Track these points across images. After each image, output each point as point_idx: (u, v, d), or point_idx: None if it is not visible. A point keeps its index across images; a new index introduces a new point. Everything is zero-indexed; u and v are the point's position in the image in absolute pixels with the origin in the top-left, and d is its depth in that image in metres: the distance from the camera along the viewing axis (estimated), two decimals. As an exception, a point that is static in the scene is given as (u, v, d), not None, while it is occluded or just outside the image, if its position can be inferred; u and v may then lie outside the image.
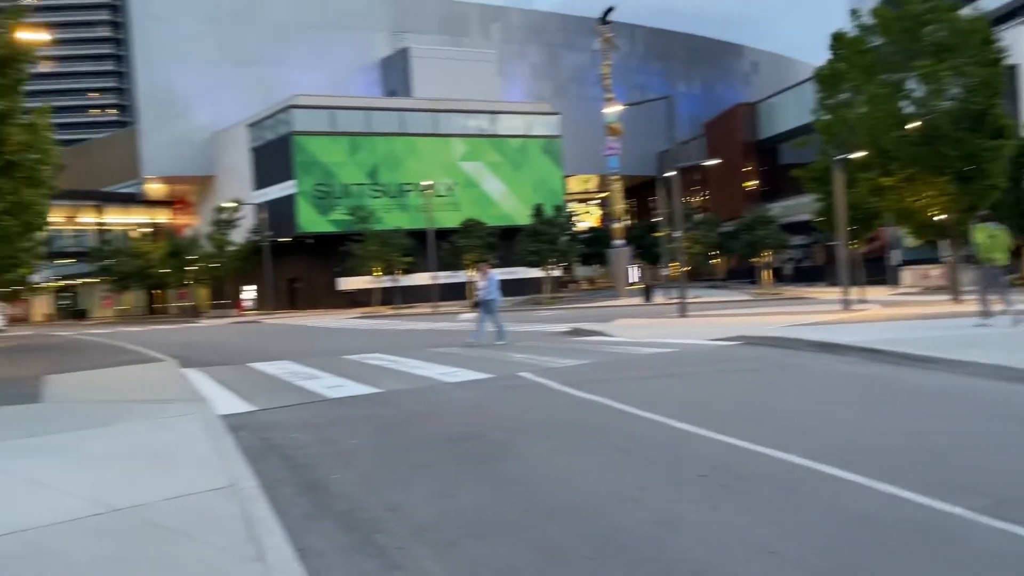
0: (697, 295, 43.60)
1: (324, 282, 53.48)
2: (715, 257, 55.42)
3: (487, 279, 16.32)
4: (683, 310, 23.51)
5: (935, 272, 40.68)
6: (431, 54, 63.01)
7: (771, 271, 47.70)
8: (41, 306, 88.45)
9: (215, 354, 18.30)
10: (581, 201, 72.99)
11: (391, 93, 61.78)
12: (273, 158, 52.87)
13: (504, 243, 47.37)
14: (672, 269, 49.97)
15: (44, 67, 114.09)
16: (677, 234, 25.54)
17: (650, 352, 13.19)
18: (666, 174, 34.67)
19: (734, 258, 57.59)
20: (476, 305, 16.86)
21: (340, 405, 9.35)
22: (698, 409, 7.62)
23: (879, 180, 21.69)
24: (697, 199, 66.78)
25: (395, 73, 64.76)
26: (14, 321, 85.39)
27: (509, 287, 53.81)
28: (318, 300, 53.74)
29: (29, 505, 4.99)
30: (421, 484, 5.41)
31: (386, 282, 46.88)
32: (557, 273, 48.34)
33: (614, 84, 70.98)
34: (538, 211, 46.05)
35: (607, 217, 64.27)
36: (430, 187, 44.03)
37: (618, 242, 48.63)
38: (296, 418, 8.50)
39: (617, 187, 48.98)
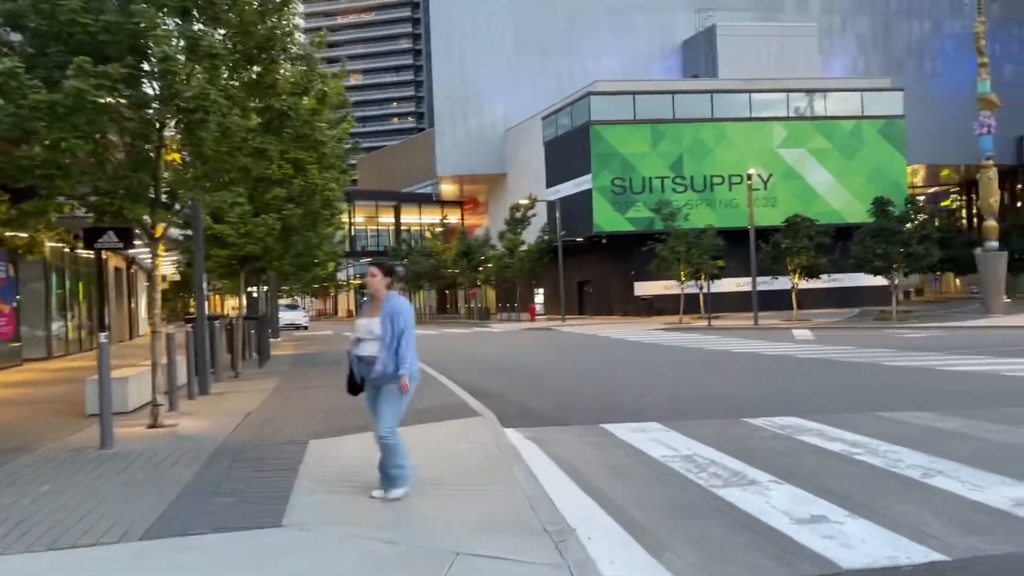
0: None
1: (618, 287, 48.67)
2: None
3: (382, 305, 5.94)
4: None
5: None
6: (740, 31, 55.84)
7: None
8: (346, 302, 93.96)
9: (537, 389, 13.57)
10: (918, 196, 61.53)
11: (693, 78, 55.57)
12: (568, 151, 49.06)
13: (837, 245, 39.26)
14: None
15: (351, 80, 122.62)
16: None
17: None
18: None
19: None
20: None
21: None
22: None
23: None
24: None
25: (698, 56, 58.46)
26: (321, 315, 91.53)
27: (839, 297, 45.91)
28: (611, 306, 49.07)
29: None
30: None
31: (692, 289, 40.87)
32: (901, 282, 39.25)
33: (962, 54, 59.12)
34: (882, 205, 37.36)
35: (978, 212, 52.99)
36: (750, 177, 37.22)
37: (992, 244, 38.36)
38: None
39: (991, 174, 38.72)
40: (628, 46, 58.87)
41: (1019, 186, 63.02)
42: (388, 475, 5.93)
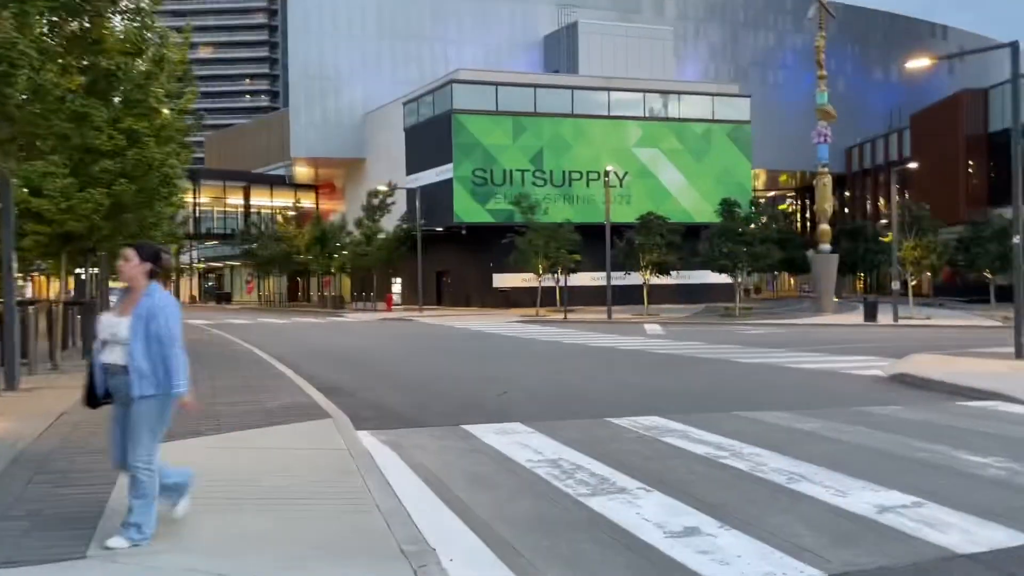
0: (928, 315, 35.76)
1: (476, 278, 48.46)
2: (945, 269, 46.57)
3: (137, 301, 4.73)
4: (1019, 345, 16.28)
5: None
6: (601, 30, 56.86)
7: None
8: (188, 287, 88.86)
9: (394, 385, 12.90)
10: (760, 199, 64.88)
11: (555, 73, 56.05)
12: (429, 139, 48.27)
13: (686, 243, 40.69)
14: (916, 281, 41.97)
15: (201, 53, 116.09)
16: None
17: None
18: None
19: (945, 273, 48.53)
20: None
21: None
22: None
23: None
24: (889, 201, 57.57)
25: (559, 51, 59.06)
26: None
27: (686, 293, 47.67)
28: (468, 297, 48.79)
29: None
30: None
31: (548, 282, 41.20)
32: (744, 281, 41.18)
33: (802, 66, 62.89)
34: (729, 206, 39.04)
35: (812, 217, 56.35)
36: (607, 175, 37.88)
37: (825, 247, 40.93)
38: None
39: (826, 181, 41.30)
40: (491, 37, 58.69)
41: (847, 193, 67.84)
42: (128, 523, 4.61)
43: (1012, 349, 16.50)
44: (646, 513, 5.55)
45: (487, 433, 8.35)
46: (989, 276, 41.13)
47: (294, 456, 6.98)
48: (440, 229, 47.07)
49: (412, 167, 50.17)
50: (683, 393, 11.88)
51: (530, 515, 5.58)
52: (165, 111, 13.63)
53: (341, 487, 5.93)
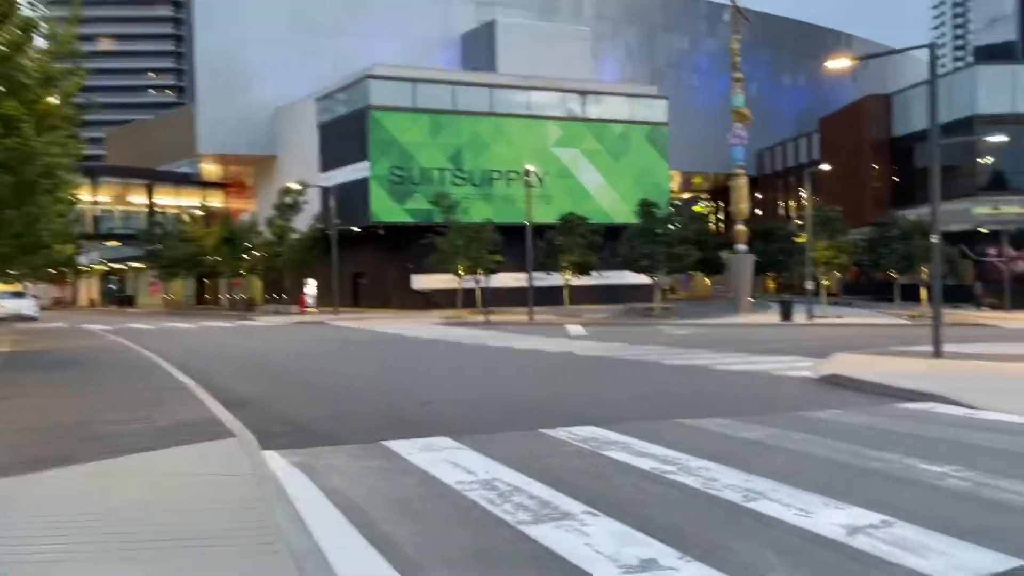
0: (840, 314, 36.57)
1: (394, 279, 47.26)
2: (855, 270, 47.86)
3: None
4: (936, 344, 16.43)
5: None
6: (519, 29, 56.39)
7: (928, 290, 40.00)
8: (88, 290, 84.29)
9: (306, 395, 11.94)
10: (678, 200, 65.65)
11: (473, 71, 55.31)
12: (344, 136, 46.83)
13: (606, 243, 40.63)
14: (829, 281, 42.82)
15: (102, 45, 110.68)
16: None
17: None
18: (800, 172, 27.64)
19: (851, 272, 50.01)
20: None
21: None
22: None
23: None
24: (800, 203, 59.14)
25: (478, 49, 58.31)
26: (59, 304, 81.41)
27: (606, 293, 47.59)
28: (387, 299, 47.55)
29: None
30: None
31: (469, 283, 40.46)
32: (663, 280, 41.34)
33: (716, 70, 63.92)
34: (647, 207, 39.14)
35: (727, 218, 57.09)
36: (528, 174, 37.41)
37: (741, 247, 41.45)
38: None
39: (742, 183, 41.89)
40: (408, 34, 57.47)
41: (759, 195, 69.38)
42: None
43: (928, 347, 16.72)
44: (596, 543, 4.91)
45: (412, 450, 7.58)
46: (894, 276, 42.47)
47: (188, 484, 6.07)
48: (356, 229, 45.74)
49: (327, 164, 48.63)
50: (618, 400, 11.35)
51: (466, 550, 4.86)
52: (51, 99, 12.33)
53: (243, 523, 5.08)
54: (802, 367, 14.84)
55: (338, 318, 39.20)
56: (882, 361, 15.54)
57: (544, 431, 8.50)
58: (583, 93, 49.20)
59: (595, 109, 49.49)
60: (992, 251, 43.13)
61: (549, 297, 41.45)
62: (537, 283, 37.80)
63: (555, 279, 40.09)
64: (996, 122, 41.56)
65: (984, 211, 44.24)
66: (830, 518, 5.33)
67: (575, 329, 29.65)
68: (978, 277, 43.92)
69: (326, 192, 45.55)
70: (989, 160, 45.42)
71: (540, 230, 38.61)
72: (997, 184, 45.95)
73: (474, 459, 7.20)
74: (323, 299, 46.64)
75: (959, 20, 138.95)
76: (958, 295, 41.46)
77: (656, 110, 51.09)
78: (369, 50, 52.44)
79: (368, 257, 48.65)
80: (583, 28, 59.81)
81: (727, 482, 6.27)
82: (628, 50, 64.79)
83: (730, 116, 43.48)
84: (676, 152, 54.66)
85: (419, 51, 56.68)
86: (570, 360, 17.44)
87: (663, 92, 54.60)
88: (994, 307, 39.91)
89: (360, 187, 44.76)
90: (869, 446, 7.61)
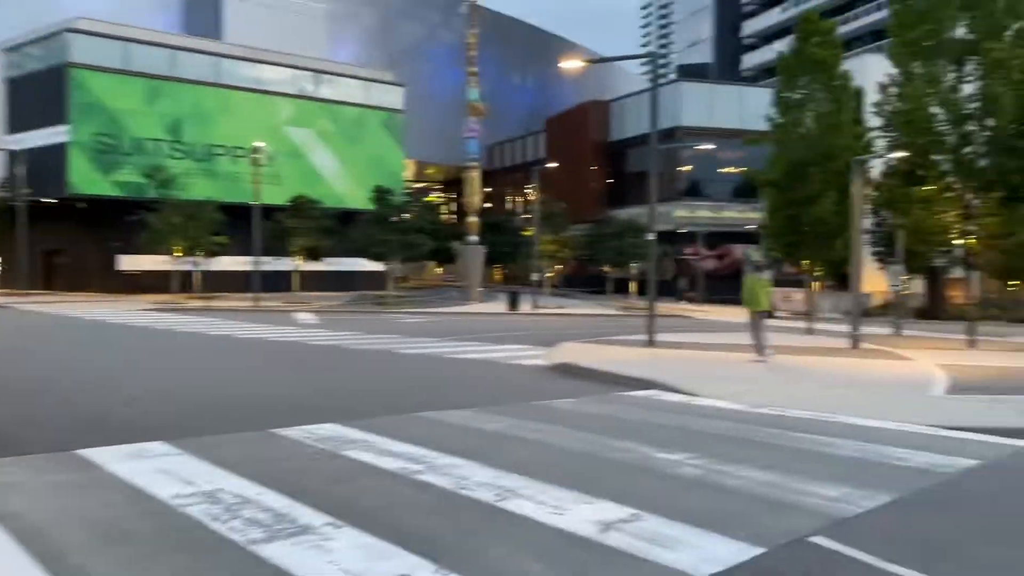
0: (561, 305, 38.74)
1: (98, 260, 42.33)
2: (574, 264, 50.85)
3: None
4: (651, 334, 17.79)
5: (798, 296, 38.53)
6: (250, -2, 53.15)
7: (638, 283, 43.75)
8: None
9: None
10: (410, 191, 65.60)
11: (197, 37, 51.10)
12: (38, 94, 40.98)
13: (339, 229, 39.56)
14: (552, 273, 44.85)
15: None
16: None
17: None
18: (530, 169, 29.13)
19: (572, 266, 53.53)
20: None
21: None
22: None
23: (917, 191, 17.34)
24: (527, 198, 62.09)
25: (201, 14, 54.05)
26: None
27: (338, 280, 46.24)
28: (87, 281, 42.48)
29: None
30: None
31: (186, 265, 37.34)
32: (397, 268, 41.17)
33: (451, 63, 64.83)
34: (382, 194, 38.75)
35: (459, 209, 57.83)
36: (256, 152, 35.21)
37: (472, 238, 42.35)
38: None
39: (475, 175, 42.73)
40: (119, -12, 51.79)
41: (488, 189, 71.71)
42: None
43: (642, 336, 18.10)
44: (342, 560, 4.35)
45: (115, 459, 6.44)
46: (608, 270, 45.92)
47: None
48: (51, 201, 40.31)
49: (15, 125, 42.34)
50: (356, 392, 10.76)
51: (184, 583, 4.07)
52: None
53: None
54: (534, 355, 15.23)
55: (26, 301, 34.26)
56: (605, 350, 16.44)
57: (276, 431, 7.70)
58: (318, 72, 47.44)
59: (330, 90, 47.94)
60: (689, 250, 48.18)
61: (277, 283, 39.56)
62: (264, 268, 35.80)
63: (284, 264, 38.31)
64: (696, 134, 46.50)
65: (683, 214, 49.30)
66: (582, 514, 5.21)
67: (305, 317, 28.42)
68: (678, 273, 48.84)
69: (13, 156, 39.63)
70: (688, 168, 50.71)
71: (269, 212, 36.61)
72: (693, 191, 51.44)
73: (194, 467, 6.27)
74: (8, 280, 40.62)
75: (663, 40, 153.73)
76: (662, 289, 45.74)
77: (393, 96, 50.68)
78: (72, 1, 46.51)
79: (66, 234, 43.17)
80: (317, 5, 57.76)
81: (479, 480, 5.99)
82: (365, 34, 63.72)
83: (464, 109, 44.25)
84: (411, 141, 54.69)
85: (134, 9, 51.30)
86: (302, 350, 16.49)
87: (400, 80, 54.32)
88: (692, 300, 44.64)
89: (56, 153, 39.52)
90: (607, 435, 7.77)
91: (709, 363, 14.36)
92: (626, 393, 10.81)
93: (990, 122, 16.34)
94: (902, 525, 5.18)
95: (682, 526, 5.00)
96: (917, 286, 37.13)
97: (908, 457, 6.99)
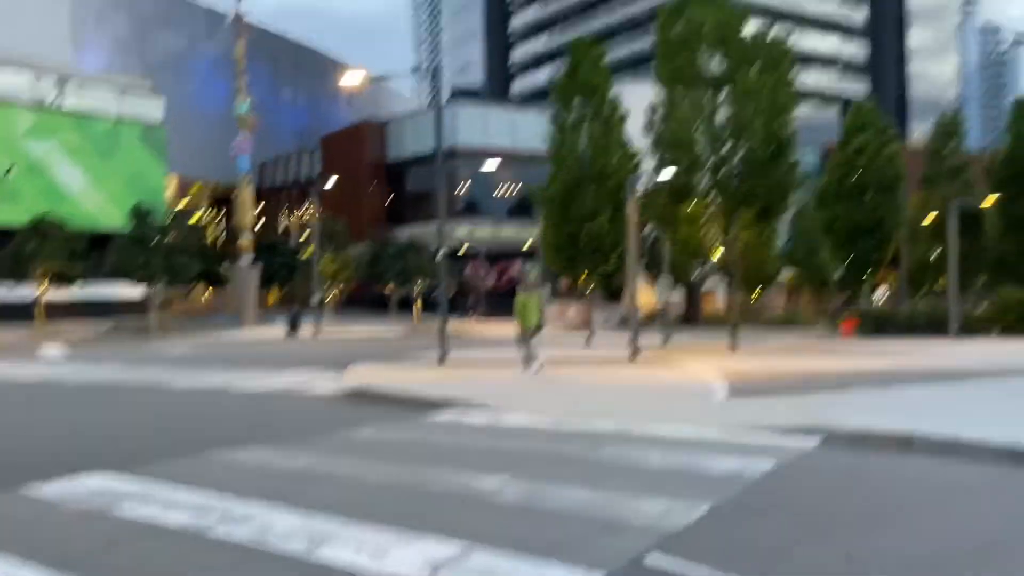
0: (344, 326, 37.62)
1: None
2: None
3: None
4: (443, 352, 17.60)
5: (573, 311, 40.40)
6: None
7: (421, 301, 43.47)
8: None
9: None
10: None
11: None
12: None
13: (92, 252, 35.76)
14: (335, 293, 43.14)
15: None
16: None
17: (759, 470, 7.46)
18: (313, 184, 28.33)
19: (354, 285, 52.48)
20: None
21: None
22: None
23: (683, 209, 18.56)
24: (303, 217, 60.02)
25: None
26: None
27: (89, 308, 41.58)
28: None
29: None
30: None
31: None
32: (161, 293, 37.90)
33: (216, 76, 61.26)
34: (141, 214, 35.63)
35: (228, 229, 54.25)
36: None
37: (247, 258, 39.96)
38: None
39: (247, 193, 40.37)
40: None
41: (262, 207, 68.50)
42: None
43: (431, 354, 17.93)
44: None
45: None
46: (391, 289, 45.34)
47: None
48: None
49: None
50: (128, 436, 9.49)
51: None
52: None
53: None
54: (324, 382, 14.44)
55: None
56: (396, 371, 15.97)
57: (29, 489, 6.48)
58: (63, 77, 42.79)
59: (78, 100, 43.40)
60: (469, 268, 48.81)
61: (16, 314, 34.94)
62: None
63: (24, 292, 33.97)
64: (472, 154, 47.31)
65: (463, 232, 49.94)
66: (407, 556, 4.76)
67: (52, 352, 25.22)
68: (460, 291, 49.31)
69: None
70: (466, 188, 51.53)
71: (5, 234, 32.32)
72: (472, 209, 52.35)
73: (-82, 545, 5.04)
74: None
75: (434, 63, 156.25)
76: (448, 306, 45.97)
77: (151, 109, 46.84)
78: None
79: None
80: (58, 5, 52.28)
81: (285, 528, 5.32)
82: (117, 43, 58.60)
83: (232, 124, 41.94)
84: (175, 157, 50.86)
85: None
86: (54, 390, 14.46)
87: (159, 91, 50.40)
88: (475, 316, 45.19)
89: None
90: (418, 463, 7.34)
91: (502, 380, 14.34)
92: (429, 417, 10.41)
93: (743, 145, 17.92)
94: (728, 534, 5.23)
95: (516, 557, 4.70)
96: (677, 297, 40.12)
97: (712, 464, 7.20)
